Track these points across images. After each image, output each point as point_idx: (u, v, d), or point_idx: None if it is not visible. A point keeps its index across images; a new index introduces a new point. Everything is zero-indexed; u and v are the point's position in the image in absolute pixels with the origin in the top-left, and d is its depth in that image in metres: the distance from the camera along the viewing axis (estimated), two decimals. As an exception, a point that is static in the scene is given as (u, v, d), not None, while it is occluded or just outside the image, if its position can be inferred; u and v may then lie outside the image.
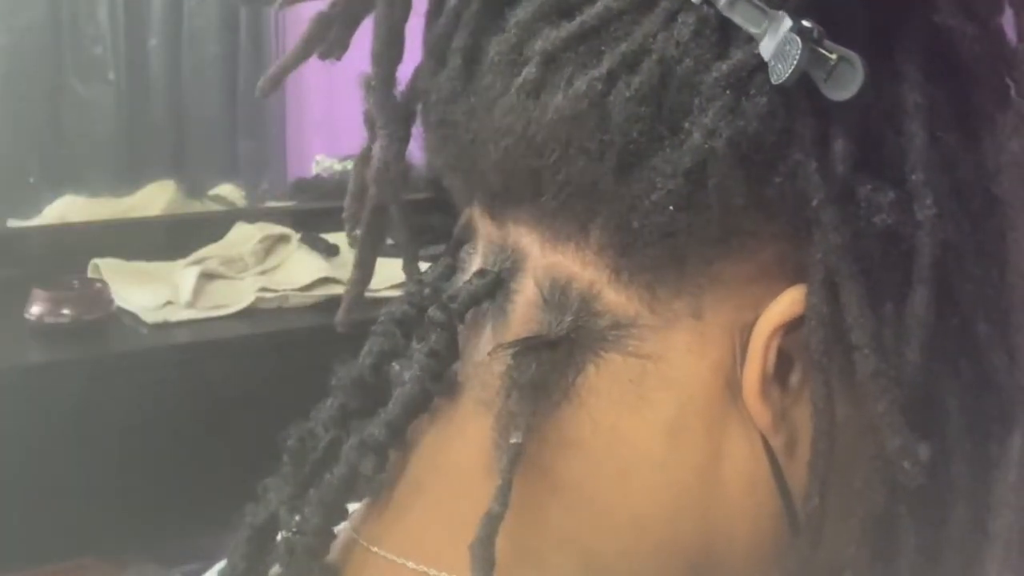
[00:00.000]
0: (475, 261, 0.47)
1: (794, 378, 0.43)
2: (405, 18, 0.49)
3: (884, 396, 0.41)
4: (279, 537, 0.47)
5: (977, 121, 0.44)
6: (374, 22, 0.49)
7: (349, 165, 2.61)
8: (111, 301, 2.05)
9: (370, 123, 0.51)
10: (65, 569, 1.98)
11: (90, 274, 2.11)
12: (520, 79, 0.43)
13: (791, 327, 0.42)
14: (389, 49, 0.49)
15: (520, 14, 0.44)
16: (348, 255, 2.29)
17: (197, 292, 2.02)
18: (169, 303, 2.05)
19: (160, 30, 2.64)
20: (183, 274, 2.05)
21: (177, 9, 2.65)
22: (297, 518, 0.46)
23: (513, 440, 0.43)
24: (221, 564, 0.53)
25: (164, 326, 2.01)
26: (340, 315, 0.55)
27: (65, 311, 1.99)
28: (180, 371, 1.88)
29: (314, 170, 2.69)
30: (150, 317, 2.02)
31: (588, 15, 0.42)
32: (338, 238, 2.15)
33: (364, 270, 0.55)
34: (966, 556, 0.44)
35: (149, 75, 2.63)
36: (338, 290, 2.02)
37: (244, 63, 2.70)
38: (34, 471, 1.90)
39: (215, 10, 2.67)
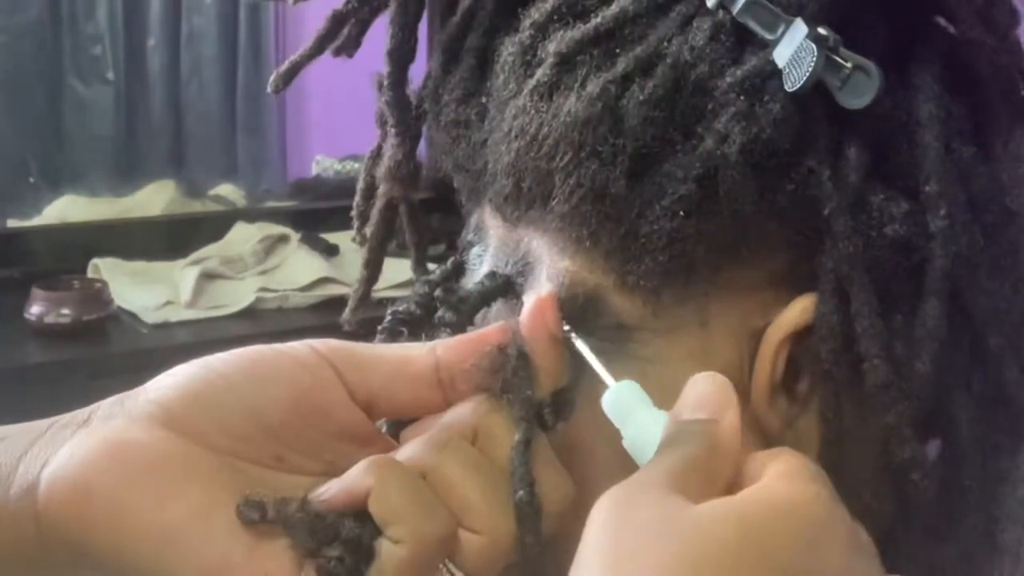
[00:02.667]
0: (485, 262, 0.47)
1: (801, 387, 0.43)
2: (419, 18, 0.49)
3: (894, 407, 0.41)
4: None
5: (992, 134, 0.44)
6: (388, 22, 0.49)
7: (349, 165, 2.61)
8: (111, 301, 2.04)
9: (381, 121, 0.51)
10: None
11: (90, 274, 2.11)
12: (533, 80, 0.42)
13: (800, 336, 0.42)
14: (402, 48, 0.49)
15: (534, 15, 0.44)
16: (348, 255, 2.29)
17: (197, 292, 2.02)
18: (169, 303, 2.04)
19: (159, 30, 2.63)
20: (183, 274, 2.05)
21: (176, 9, 2.64)
22: None
23: (517, 438, 0.42)
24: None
25: (164, 326, 2.00)
26: (347, 313, 0.55)
27: (65, 311, 1.98)
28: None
29: (314, 170, 2.68)
30: (150, 317, 2.02)
31: (603, 18, 0.42)
32: (338, 238, 2.15)
33: (373, 268, 0.55)
34: (975, 569, 0.44)
35: (148, 75, 2.63)
36: (338, 290, 2.01)
37: (243, 63, 2.70)
38: (34, 471, 1.89)
39: (214, 10, 2.67)
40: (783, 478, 0.35)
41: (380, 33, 0.50)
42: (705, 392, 0.38)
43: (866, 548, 0.36)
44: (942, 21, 0.45)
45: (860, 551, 0.35)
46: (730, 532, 0.32)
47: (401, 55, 0.49)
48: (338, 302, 2.08)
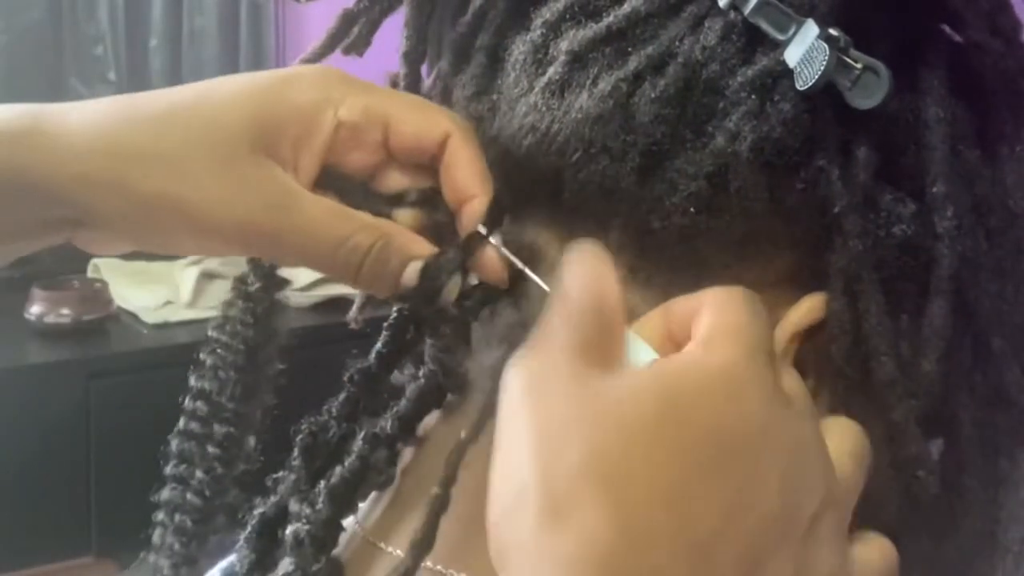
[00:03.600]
0: None
1: (807, 385, 0.43)
2: (431, 20, 0.50)
3: (900, 404, 0.41)
4: (288, 529, 0.47)
5: (997, 137, 0.44)
6: (403, 22, 0.50)
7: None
8: (111, 301, 2.05)
9: None
10: (65, 569, 1.98)
11: (90, 274, 2.11)
12: (545, 78, 0.43)
13: (807, 334, 0.42)
14: (416, 50, 0.50)
15: (546, 14, 0.44)
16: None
17: (197, 292, 2.02)
18: (169, 303, 2.05)
19: (160, 30, 2.63)
20: (183, 274, 2.05)
21: (177, 9, 2.64)
22: (307, 510, 0.46)
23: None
24: (223, 563, 0.53)
25: (164, 326, 2.01)
26: (353, 311, 0.55)
27: (65, 311, 1.99)
28: (180, 371, 1.89)
29: (314, 170, 2.68)
30: (150, 317, 2.02)
31: (615, 17, 0.42)
32: (339, 239, 2.15)
33: None
34: (976, 568, 0.44)
35: (149, 75, 2.63)
36: (338, 290, 2.02)
37: (244, 63, 2.70)
38: (34, 471, 1.90)
39: (215, 10, 2.67)
40: (703, 344, 0.36)
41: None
42: (586, 266, 0.39)
43: (794, 403, 0.36)
44: (947, 29, 0.45)
45: (781, 405, 0.35)
46: (649, 407, 0.34)
47: (415, 56, 0.50)
48: (338, 302, 2.08)
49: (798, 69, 0.40)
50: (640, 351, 0.39)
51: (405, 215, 0.44)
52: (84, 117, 0.43)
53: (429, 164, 0.44)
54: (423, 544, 0.40)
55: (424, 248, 0.43)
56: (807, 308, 0.42)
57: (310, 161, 0.43)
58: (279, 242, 0.42)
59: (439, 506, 0.41)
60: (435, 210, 0.44)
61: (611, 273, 0.37)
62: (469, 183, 0.43)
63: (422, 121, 0.44)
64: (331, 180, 0.44)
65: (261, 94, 0.43)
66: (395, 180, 0.45)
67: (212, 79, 0.44)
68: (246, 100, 0.42)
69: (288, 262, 0.45)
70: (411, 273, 0.43)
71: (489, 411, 0.42)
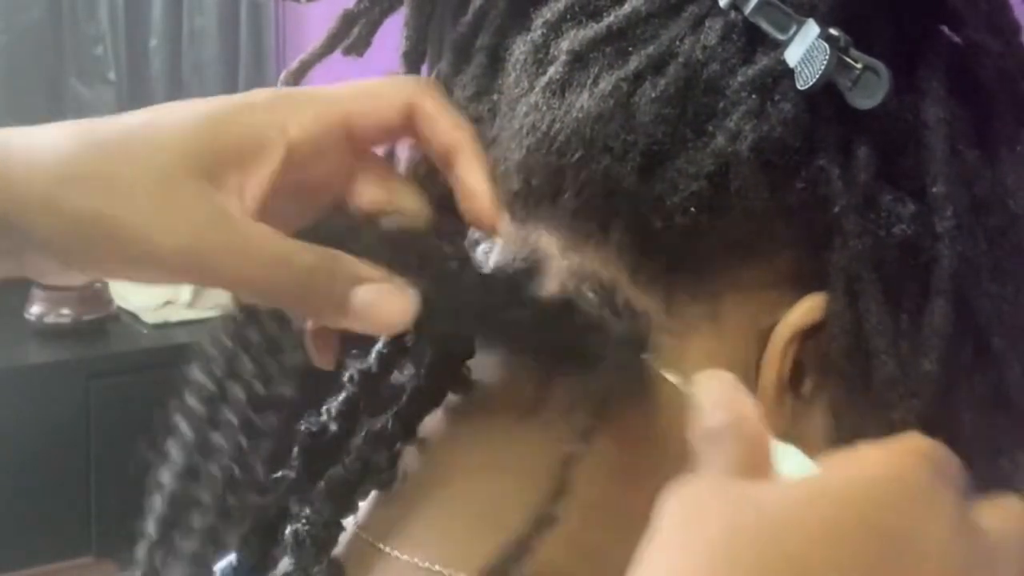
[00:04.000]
0: (492, 259, 0.47)
1: (805, 387, 0.43)
2: (431, 19, 0.50)
3: (901, 404, 0.41)
4: (288, 530, 0.47)
5: (997, 137, 0.44)
6: (403, 23, 0.50)
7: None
8: (111, 301, 2.05)
9: None
10: (65, 569, 1.98)
11: (90, 274, 2.11)
12: (545, 78, 0.43)
13: (807, 334, 0.42)
14: (416, 50, 0.50)
15: (547, 14, 0.44)
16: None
17: (197, 292, 2.02)
18: (169, 303, 2.05)
19: (160, 30, 2.64)
20: (183, 274, 2.05)
21: (177, 9, 2.65)
22: (307, 510, 0.46)
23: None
24: (223, 563, 0.53)
25: (164, 326, 2.01)
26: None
27: (65, 311, 1.99)
28: (180, 371, 1.89)
29: (314, 171, 2.69)
30: (150, 317, 2.02)
31: (616, 16, 0.42)
32: (338, 239, 2.15)
33: None
34: None
35: (149, 75, 2.63)
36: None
37: (244, 63, 2.70)
38: (34, 471, 1.90)
39: (215, 10, 2.67)
40: (880, 450, 0.33)
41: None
42: (717, 391, 0.36)
43: (982, 536, 0.33)
44: (946, 29, 0.45)
45: (965, 529, 0.32)
46: (819, 512, 0.31)
47: (415, 57, 0.50)
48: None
49: (798, 69, 0.40)
50: (797, 462, 0.37)
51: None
52: (31, 142, 0.42)
53: (407, 135, 0.44)
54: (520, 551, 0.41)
55: (370, 273, 0.42)
56: (807, 308, 0.42)
57: (257, 186, 0.42)
58: (215, 265, 0.41)
59: (545, 522, 0.41)
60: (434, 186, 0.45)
61: (744, 393, 0.35)
62: (483, 206, 0.44)
63: (379, 105, 0.44)
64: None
65: (208, 120, 0.42)
66: (371, 193, 0.44)
67: (169, 103, 0.44)
68: (192, 126, 0.42)
69: (231, 287, 0.44)
70: (362, 299, 0.41)
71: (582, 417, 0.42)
